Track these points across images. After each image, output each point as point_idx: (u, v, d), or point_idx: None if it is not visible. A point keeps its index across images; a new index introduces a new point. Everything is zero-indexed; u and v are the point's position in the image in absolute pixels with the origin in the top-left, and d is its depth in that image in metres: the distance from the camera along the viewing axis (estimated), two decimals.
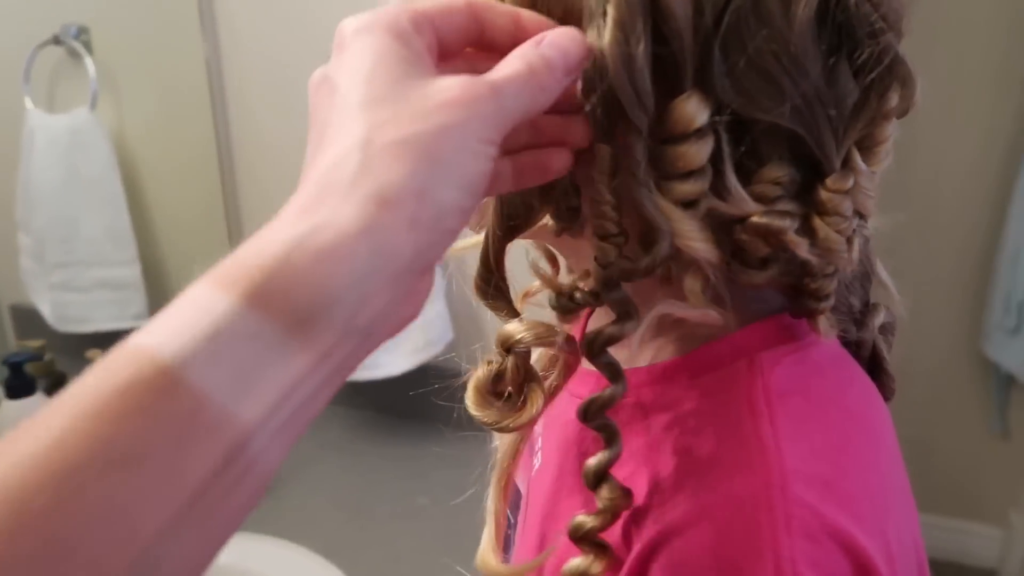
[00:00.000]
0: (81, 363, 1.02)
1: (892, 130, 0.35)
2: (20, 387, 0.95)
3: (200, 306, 0.25)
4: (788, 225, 0.33)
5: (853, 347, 0.42)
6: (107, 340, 0.96)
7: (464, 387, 0.44)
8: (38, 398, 0.97)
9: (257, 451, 0.25)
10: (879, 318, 0.42)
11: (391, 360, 1.06)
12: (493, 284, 0.39)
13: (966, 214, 1.93)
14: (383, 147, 0.28)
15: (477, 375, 0.39)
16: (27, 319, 1.13)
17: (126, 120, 1.19)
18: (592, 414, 0.35)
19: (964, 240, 1.95)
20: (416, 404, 1.15)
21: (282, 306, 0.25)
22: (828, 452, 0.35)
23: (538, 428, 0.47)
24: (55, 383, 1.02)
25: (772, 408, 0.35)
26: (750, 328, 0.38)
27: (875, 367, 0.44)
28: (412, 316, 0.30)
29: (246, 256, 0.26)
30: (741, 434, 0.35)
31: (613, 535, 0.36)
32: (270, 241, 0.26)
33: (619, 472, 0.37)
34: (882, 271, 0.42)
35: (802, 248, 0.34)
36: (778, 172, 0.33)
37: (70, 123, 1.11)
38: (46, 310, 1.14)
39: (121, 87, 1.17)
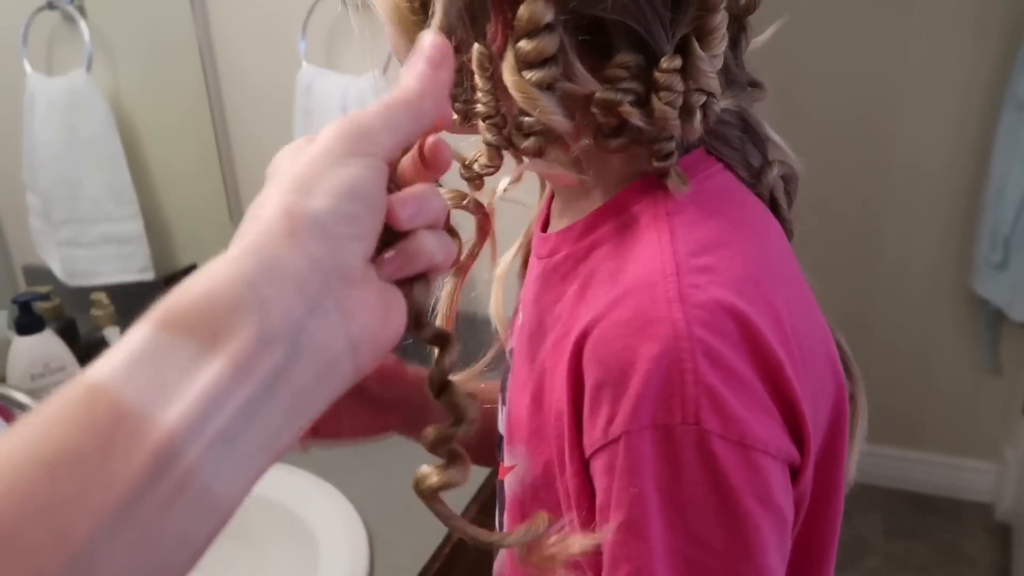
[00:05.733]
0: (88, 309, 1.07)
1: (722, 21, 0.42)
2: (30, 324, 1.01)
3: (128, 337, 0.28)
4: (623, 98, 0.42)
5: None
6: (112, 290, 1.00)
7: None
8: (48, 335, 1.02)
9: (192, 462, 0.27)
10: (775, 170, 0.49)
11: None
12: None
13: (953, 153, 1.95)
14: (270, 198, 0.32)
15: None
16: (39, 278, 1.18)
17: (121, 81, 1.23)
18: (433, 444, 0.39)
19: (951, 178, 1.97)
20: (406, 351, 1.19)
21: (187, 324, 0.28)
22: (713, 247, 0.42)
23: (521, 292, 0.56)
24: (66, 326, 1.07)
25: (671, 220, 0.43)
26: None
27: (774, 213, 0.51)
28: (385, 334, 0.33)
29: (172, 293, 0.30)
30: (643, 244, 0.42)
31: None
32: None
33: (562, 312, 0.45)
34: (773, 134, 0.50)
35: (635, 116, 0.42)
36: (626, 58, 0.42)
37: (68, 85, 1.15)
38: (55, 266, 1.19)
39: (114, 48, 1.21)
